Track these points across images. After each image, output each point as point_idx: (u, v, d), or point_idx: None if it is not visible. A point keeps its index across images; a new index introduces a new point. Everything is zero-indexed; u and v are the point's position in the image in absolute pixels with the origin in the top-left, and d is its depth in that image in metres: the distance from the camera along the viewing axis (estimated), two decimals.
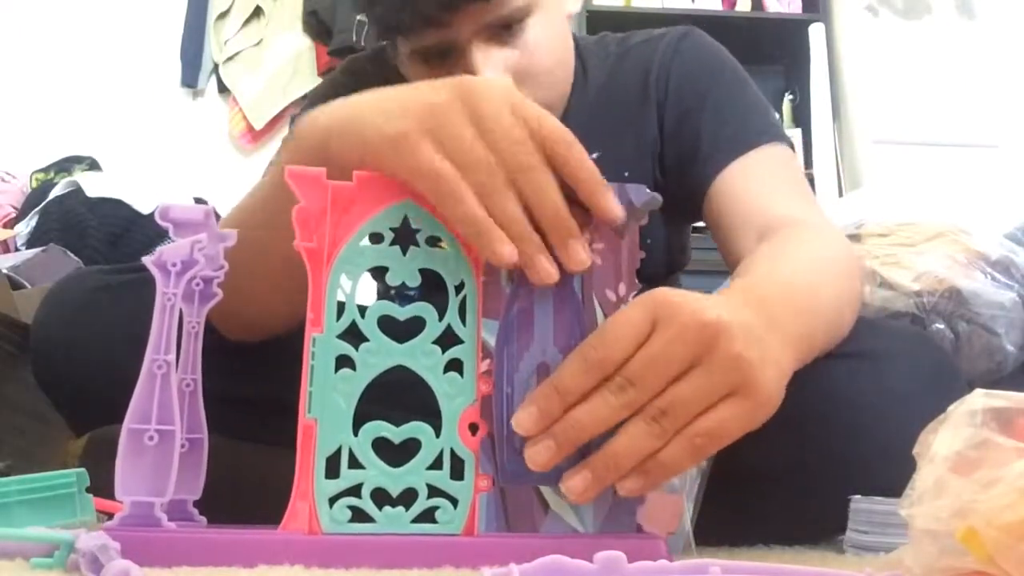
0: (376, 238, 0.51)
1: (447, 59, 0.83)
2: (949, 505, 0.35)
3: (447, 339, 0.51)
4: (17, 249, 1.90)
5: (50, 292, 0.88)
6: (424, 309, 0.51)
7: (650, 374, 0.47)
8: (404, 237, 0.51)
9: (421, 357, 0.51)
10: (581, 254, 0.51)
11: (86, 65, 2.68)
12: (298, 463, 0.49)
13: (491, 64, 0.81)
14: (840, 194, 2.55)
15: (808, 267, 0.70)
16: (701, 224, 0.93)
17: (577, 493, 0.48)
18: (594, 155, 0.55)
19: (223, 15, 2.81)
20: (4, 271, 1.28)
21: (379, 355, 0.50)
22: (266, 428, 0.79)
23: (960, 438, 0.37)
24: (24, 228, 1.97)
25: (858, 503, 0.63)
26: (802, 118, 2.77)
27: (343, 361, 0.50)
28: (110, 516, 0.64)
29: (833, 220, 0.89)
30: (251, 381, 0.82)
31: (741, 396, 0.48)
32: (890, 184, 2.51)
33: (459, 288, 0.52)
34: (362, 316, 0.51)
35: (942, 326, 1.23)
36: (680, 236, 1.02)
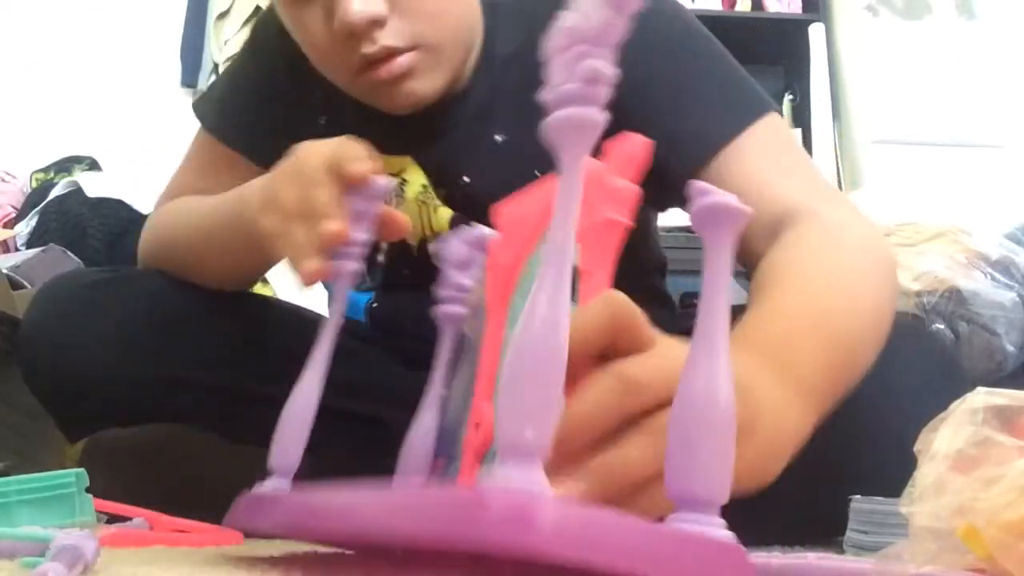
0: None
1: None
2: (950, 503, 0.35)
3: None
4: (17, 249, 1.90)
5: (39, 292, 0.88)
6: None
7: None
8: None
9: None
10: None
11: (86, 65, 2.68)
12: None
13: None
14: None
15: (844, 282, 0.62)
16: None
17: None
18: (497, 138, 0.52)
19: (223, 15, 2.81)
20: (4, 271, 1.28)
21: None
22: (229, 419, 0.79)
23: (961, 436, 0.37)
24: (24, 228, 1.98)
25: (858, 503, 0.63)
26: (802, 118, 2.77)
27: None
28: (110, 516, 0.64)
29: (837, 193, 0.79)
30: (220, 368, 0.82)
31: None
32: (890, 184, 2.52)
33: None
34: None
35: (942, 326, 1.23)
36: (645, 229, 0.91)
